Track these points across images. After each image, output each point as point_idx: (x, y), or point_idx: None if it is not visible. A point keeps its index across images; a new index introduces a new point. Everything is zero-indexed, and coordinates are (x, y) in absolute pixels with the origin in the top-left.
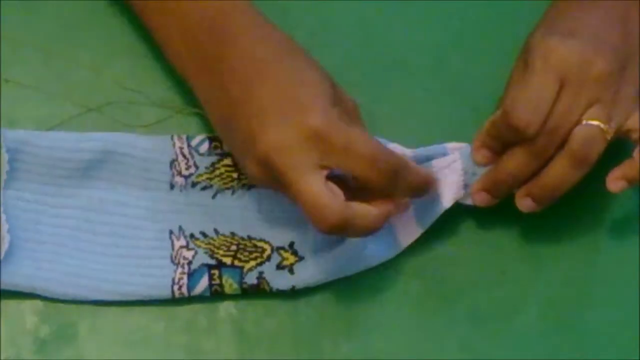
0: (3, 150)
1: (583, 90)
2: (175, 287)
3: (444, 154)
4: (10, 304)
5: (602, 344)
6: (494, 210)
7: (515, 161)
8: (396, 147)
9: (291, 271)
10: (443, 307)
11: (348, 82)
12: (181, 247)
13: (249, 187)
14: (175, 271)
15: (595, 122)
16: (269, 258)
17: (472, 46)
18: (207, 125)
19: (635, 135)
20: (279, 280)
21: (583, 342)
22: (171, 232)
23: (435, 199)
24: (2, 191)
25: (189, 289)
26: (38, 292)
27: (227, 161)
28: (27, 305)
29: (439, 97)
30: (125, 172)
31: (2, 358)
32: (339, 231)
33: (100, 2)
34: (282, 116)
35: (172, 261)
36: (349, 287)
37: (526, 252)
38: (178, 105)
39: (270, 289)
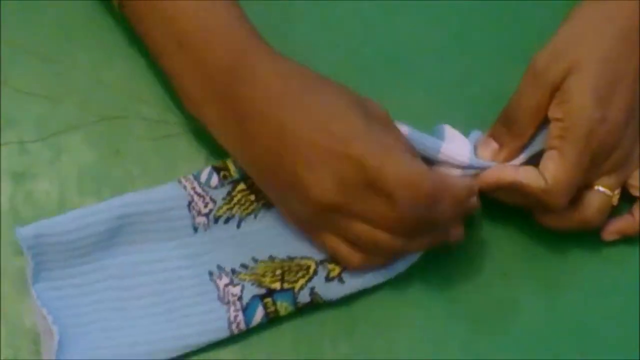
0: (24, 249)
1: (605, 165)
2: (233, 326)
3: (436, 146)
4: (9, 305)
5: (602, 344)
6: (494, 211)
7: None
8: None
9: (341, 280)
10: (443, 307)
11: (348, 81)
12: (226, 285)
13: (269, 206)
14: (228, 311)
15: (603, 189)
16: (315, 272)
17: (473, 46)
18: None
19: (635, 192)
20: (331, 292)
21: (583, 342)
22: (211, 274)
23: None
24: (32, 287)
25: (247, 323)
26: None
27: (241, 186)
28: (26, 305)
29: (440, 97)
30: (145, 229)
31: (1, 358)
32: (434, 202)
33: (100, 3)
34: (326, 160)
35: (222, 301)
36: None
37: (526, 252)
38: (177, 115)
39: (324, 302)
